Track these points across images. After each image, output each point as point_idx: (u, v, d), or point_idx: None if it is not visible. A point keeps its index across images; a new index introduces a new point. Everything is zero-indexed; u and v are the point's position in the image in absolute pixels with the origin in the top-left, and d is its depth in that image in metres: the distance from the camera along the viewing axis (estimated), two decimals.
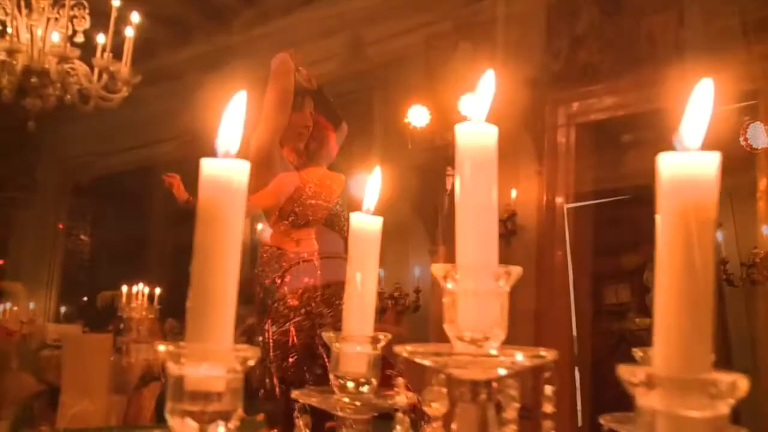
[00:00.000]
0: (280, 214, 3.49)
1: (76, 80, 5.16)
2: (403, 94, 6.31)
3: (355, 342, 0.86)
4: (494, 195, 0.66)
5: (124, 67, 5.17)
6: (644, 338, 5.03)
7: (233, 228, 0.62)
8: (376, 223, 0.91)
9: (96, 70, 5.18)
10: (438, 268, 0.67)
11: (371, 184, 0.92)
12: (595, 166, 5.10)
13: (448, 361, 0.65)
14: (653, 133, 4.82)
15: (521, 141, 5.38)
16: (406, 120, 5.72)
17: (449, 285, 0.67)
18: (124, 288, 6.57)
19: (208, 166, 0.62)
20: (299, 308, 3.53)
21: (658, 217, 0.61)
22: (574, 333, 4.62)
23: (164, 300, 6.90)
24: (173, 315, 7.42)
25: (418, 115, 5.71)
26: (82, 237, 10.80)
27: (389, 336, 0.85)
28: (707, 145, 0.55)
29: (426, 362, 0.66)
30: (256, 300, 3.51)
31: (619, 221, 4.89)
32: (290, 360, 3.43)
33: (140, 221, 10.78)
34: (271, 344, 3.43)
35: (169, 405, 0.58)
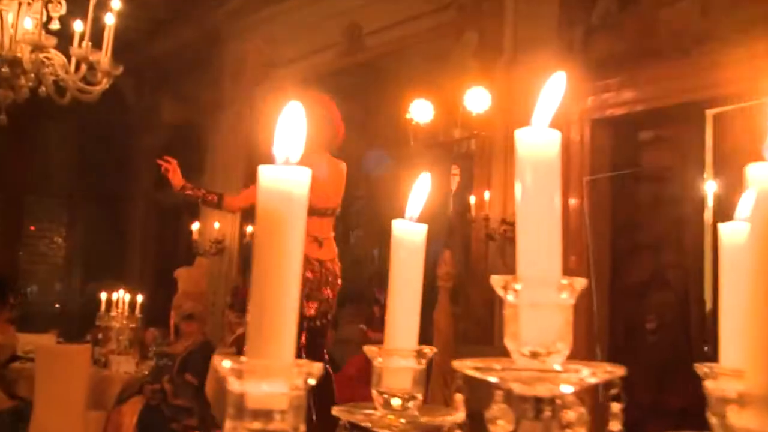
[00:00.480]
0: None
1: (52, 71, 5.11)
2: (405, 87, 6.31)
3: (399, 356, 0.86)
4: (557, 204, 0.67)
5: (104, 57, 5.12)
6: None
7: (294, 239, 0.63)
8: (420, 232, 0.92)
9: (73, 60, 5.13)
10: (497, 280, 0.67)
11: (417, 190, 0.92)
12: (612, 166, 5.08)
13: (512, 376, 0.64)
14: (675, 130, 4.80)
15: None
16: (407, 115, 5.70)
17: (509, 297, 0.67)
18: (103, 295, 6.53)
19: (266, 174, 0.63)
20: (315, 318, 3.51)
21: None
22: (598, 353, 4.60)
23: (146, 308, 6.88)
24: (156, 324, 7.38)
25: (420, 110, 5.70)
26: (57, 240, 10.74)
27: (435, 350, 0.84)
28: None
29: (489, 378, 0.66)
30: None
31: (638, 225, 4.87)
32: None
33: (120, 222, 10.74)
34: None
35: (230, 424, 0.60)
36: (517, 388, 0.65)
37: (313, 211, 3.55)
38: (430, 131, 5.73)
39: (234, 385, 0.59)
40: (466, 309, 5.69)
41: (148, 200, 10.43)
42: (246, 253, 8.10)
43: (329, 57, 7.45)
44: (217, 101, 8.97)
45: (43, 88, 5.10)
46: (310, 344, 3.54)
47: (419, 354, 0.86)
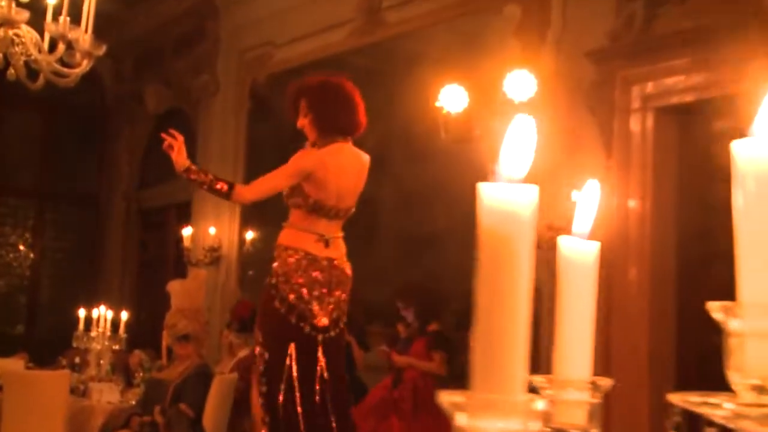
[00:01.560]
0: (302, 203, 3.52)
1: (23, 50, 5.13)
2: (434, 71, 6.31)
3: (573, 387, 0.89)
4: None
5: (84, 35, 5.14)
6: None
7: (522, 263, 0.68)
8: (592, 251, 0.94)
9: (47, 38, 5.15)
10: (715, 306, 0.68)
11: (587, 202, 0.93)
12: (679, 160, 5.07)
13: (739, 413, 0.65)
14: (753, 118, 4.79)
15: (584, 130, 5.38)
16: (437, 104, 5.70)
17: (733, 325, 0.68)
18: (81, 312, 6.57)
19: (489, 192, 0.68)
20: (329, 329, 3.53)
21: None
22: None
23: (131, 327, 6.91)
24: (141, 345, 7.42)
25: (452, 98, 5.69)
26: (21, 247, 10.79)
27: (611, 381, 0.86)
28: None
29: (713, 415, 0.67)
30: (268, 320, 3.48)
31: (709, 230, 4.86)
32: (318, 399, 3.44)
33: (97, 227, 10.79)
34: (296, 379, 3.42)
35: None
36: (749, 427, 0.66)
37: (322, 211, 3.56)
38: (463, 122, 5.72)
39: (461, 421, 0.62)
40: None
41: (129, 201, 10.48)
42: (247, 262, 8.13)
43: (341, 35, 7.48)
44: (210, 86, 9.02)
45: (12, 71, 5.13)
46: (330, 362, 3.56)
47: (594, 386, 0.88)
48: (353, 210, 3.79)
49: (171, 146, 3.73)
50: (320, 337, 3.54)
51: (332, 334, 3.59)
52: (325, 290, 3.58)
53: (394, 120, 6.95)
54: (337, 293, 3.66)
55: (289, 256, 3.58)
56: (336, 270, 3.65)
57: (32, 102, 9.89)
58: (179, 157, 3.71)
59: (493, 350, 0.65)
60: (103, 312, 6.59)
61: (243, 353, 6.13)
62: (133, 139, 10.60)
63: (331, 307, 3.60)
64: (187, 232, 8.17)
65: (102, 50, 5.26)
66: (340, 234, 3.73)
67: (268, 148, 7.27)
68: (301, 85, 3.75)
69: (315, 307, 3.54)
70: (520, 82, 5.29)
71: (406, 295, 5.89)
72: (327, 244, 3.64)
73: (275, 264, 3.59)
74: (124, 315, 6.76)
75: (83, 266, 10.70)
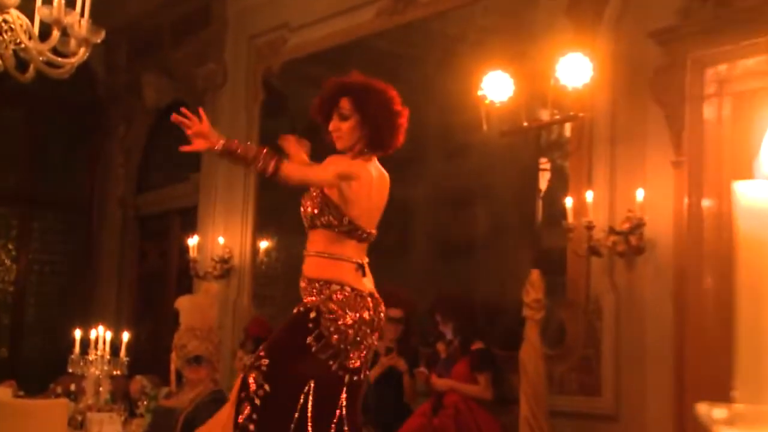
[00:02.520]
0: (336, 223, 3.48)
1: (12, 37, 5.17)
2: (474, 56, 6.32)
3: None
4: None
5: (81, 20, 5.18)
6: None
7: None
8: None
9: (37, 22, 5.18)
10: None
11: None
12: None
13: None
14: None
15: (649, 119, 5.36)
16: (479, 92, 5.70)
17: None
18: (77, 333, 6.60)
19: (746, 192, 0.68)
20: (360, 370, 3.52)
21: None
22: None
23: (132, 349, 6.95)
24: (142, 370, 7.45)
25: (496, 86, 5.68)
26: (4, 260, 10.88)
27: None
28: None
29: None
30: (289, 354, 3.47)
31: None
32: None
33: (89, 237, 10.84)
34: (311, 419, 3.41)
35: None
36: None
37: (355, 234, 3.53)
38: (509, 113, 5.70)
39: None
40: (563, 348, 5.67)
41: (126, 207, 10.54)
42: (261, 275, 8.14)
43: (367, 16, 7.49)
44: (216, 76, 9.05)
45: (0, 62, 5.18)
46: (350, 406, 3.54)
47: None
48: (375, 236, 3.74)
49: (189, 126, 3.42)
50: (347, 378, 3.51)
51: (361, 377, 3.57)
52: (368, 330, 3.56)
53: (428, 112, 6.93)
54: (376, 335, 3.65)
55: (334, 292, 3.50)
56: (379, 308, 3.64)
57: (15, 96, 9.99)
58: (209, 136, 3.34)
59: (760, 359, 0.64)
60: (101, 333, 6.60)
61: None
62: (129, 137, 10.65)
63: (365, 351, 3.58)
64: (192, 241, 8.20)
65: (100, 36, 5.28)
66: (367, 260, 3.71)
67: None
68: (348, 81, 3.67)
69: (351, 351, 3.52)
70: (574, 68, 5.27)
71: (444, 309, 5.88)
72: (364, 273, 3.62)
73: (312, 298, 3.51)
74: (126, 336, 6.78)
75: (75, 281, 10.73)
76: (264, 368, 3.40)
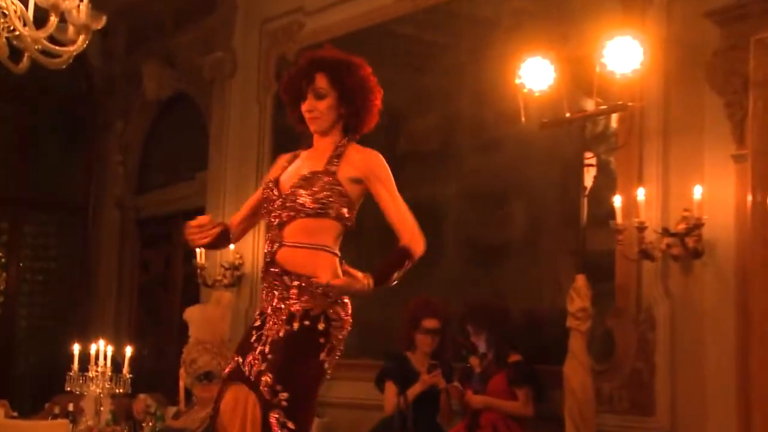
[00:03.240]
0: (347, 217, 3.46)
1: (5, 23, 5.19)
2: (510, 41, 6.30)
3: None
4: None
5: (80, 5, 5.19)
6: None
7: None
8: None
9: (32, 8, 5.20)
10: None
11: None
12: None
13: None
14: None
15: (706, 108, 5.34)
16: (517, 80, 5.69)
17: None
18: (76, 348, 6.63)
19: None
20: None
21: None
22: None
23: (135, 366, 6.97)
24: (147, 388, 7.48)
25: (535, 73, 5.68)
26: None
27: None
28: None
29: None
30: (306, 373, 3.44)
31: None
32: None
33: (85, 240, 10.85)
34: None
35: None
36: None
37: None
38: (549, 103, 5.69)
39: None
40: (612, 362, 5.66)
41: (125, 209, 10.57)
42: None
43: (388, 0, 7.50)
44: (225, 65, 9.06)
45: None
46: None
47: None
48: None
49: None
50: None
51: None
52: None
53: (459, 102, 6.97)
54: None
55: (345, 297, 3.49)
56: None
57: (2, 88, 10.02)
58: (352, 279, 3.28)
59: None
60: (102, 347, 6.63)
61: None
62: (128, 132, 10.69)
63: None
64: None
65: (101, 22, 5.31)
66: None
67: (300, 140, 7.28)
68: (323, 56, 3.62)
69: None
70: (622, 52, 5.26)
71: (476, 319, 5.87)
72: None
73: (310, 301, 3.43)
74: (128, 351, 6.80)
75: (71, 290, 10.75)
76: (285, 404, 3.26)
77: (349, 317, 3.42)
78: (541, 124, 5.75)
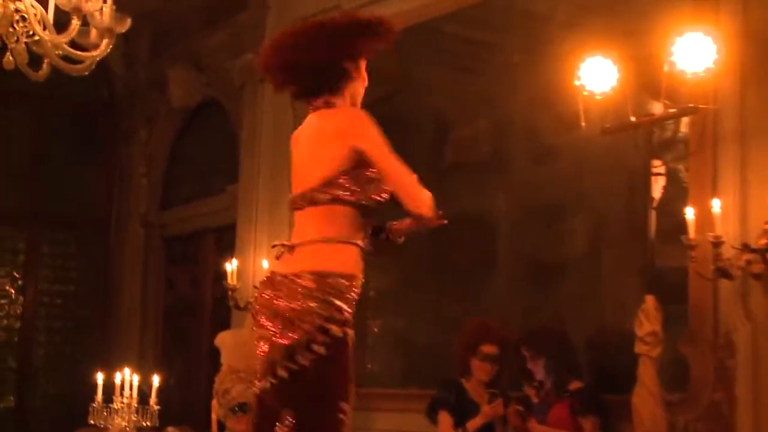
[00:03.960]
0: (362, 196, 3.52)
1: (24, 28, 5.22)
2: (568, 38, 6.25)
3: None
4: None
5: (104, 8, 5.21)
6: None
7: None
8: None
9: (52, 11, 5.22)
10: None
11: None
12: None
13: None
14: None
15: None
16: (576, 82, 5.65)
17: None
18: (99, 377, 6.63)
19: None
20: None
21: None
22: None
23: (162, 396, 6.97)
24: (175, 420, 7.46)
25: (596, 74, 5.64)
26: (7, 289, 10.96)
27: None
28: None
29: None
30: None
31: None
32: None
33: (107, 260, 10.87)
34: None
35: None
36: None
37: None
38: (612, 106, 5.62)
39: None
40: (687, 392, 5.59)
41: (150, 225, 10.59)
42: None
43: None
44: (256, 68, 9.04)
45: (10, 57, 5.22)
46: None
47: None
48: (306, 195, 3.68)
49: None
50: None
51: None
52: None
53: (511, 107, 6.95)
54: (257, 319, 3.62)
55: (352, 287, 3.54)
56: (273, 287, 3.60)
57: (17, 96, 10.10)
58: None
59: None
60: (127, 377, 6.64)
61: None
62: (152, 142, 10.72)
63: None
64: (231, 265, 8.18)
65: (126, 25, 5.34)
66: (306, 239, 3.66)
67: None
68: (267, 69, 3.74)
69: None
70: (693, 49, 5.22)
71: (533, 343, 5.85)
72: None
73: (317, 299, 3.47)
74: (156, 380, 6.80)
75: (92, 314, 10.79)
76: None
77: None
78: (603, 129, 5.70)
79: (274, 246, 3.61)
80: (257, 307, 3.51)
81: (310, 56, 3.56)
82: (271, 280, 3.50)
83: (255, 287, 3.60)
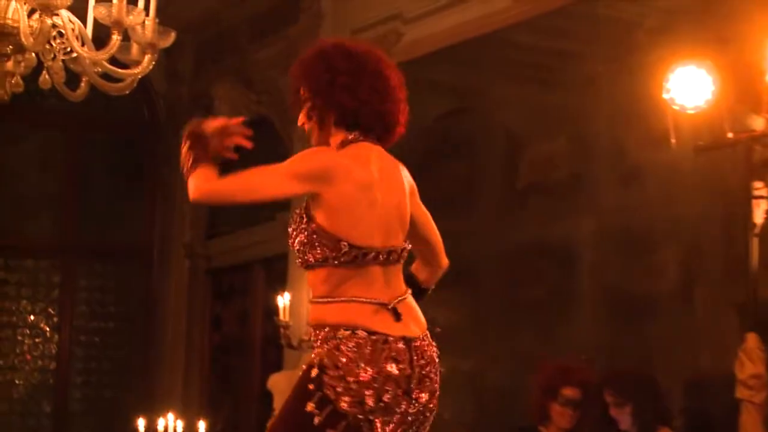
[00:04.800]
0: (332, 255, 3.32)
1: (61, 44, 5.28)
2: (656, 46, 6.22)
3: None
4: None
5: (147, 21, 5.23)
6: None
7: None
8: None
9: (90, 24, 5.27)
10: None
11: None
12: None
13: None
14: None
15: None
16: (665, 95, 5.62)
17: None
18: (141, 423, 6.67)
19: None
20: None
21: None
22: None
23: None
24: None
25: (688, 86, 5.60)
26: (42, 327, 11.06)
27: None
28: None
29: None
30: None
31: None
32: None
33: (148, 295, 10.95)
34: None
35: None
36: None
37: (369, 260, 3.34)
38: (706, 121, 5.60)
39: None
40: None
41: (194, 256, 10.64)
42: None
43: (504, 3, 7.49)
44: None
45: (47, 76, 5.28)
46: None
47: None
48: (408, 250, 3.55)
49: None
50: None
51: None
52: (401, 392, 3.32)
53: (595, 124, 6.94)
54: (423, 397, 3.39)
55: (344, 339, 3.32)
56: (419, 357, 3.40)
57: (52, 117, 10.23)
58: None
59: None
60: (171, 422, 6.67)
61: None
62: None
63: (409, 420, 3.37)
64: (283, 300, 8.20)
65: (170, 40, 5.36)
66: (407, 292, 3.50)
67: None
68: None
69: (379, 422, 3.31)
70: None
71: (619, 386, 5.78)
72: (397, 315, 3.40)
73: (318, 350, 3.32)
74: (202, 426, 6.82)
75: (132, 354, 10.85)
76: None
77: (356, 368, 3.25)
78: (696, 147, 5.72)
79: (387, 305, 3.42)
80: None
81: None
82: (412, 348, 3.35)
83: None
